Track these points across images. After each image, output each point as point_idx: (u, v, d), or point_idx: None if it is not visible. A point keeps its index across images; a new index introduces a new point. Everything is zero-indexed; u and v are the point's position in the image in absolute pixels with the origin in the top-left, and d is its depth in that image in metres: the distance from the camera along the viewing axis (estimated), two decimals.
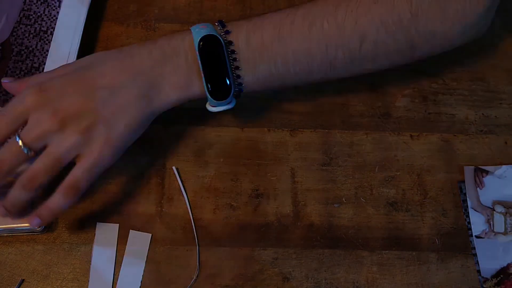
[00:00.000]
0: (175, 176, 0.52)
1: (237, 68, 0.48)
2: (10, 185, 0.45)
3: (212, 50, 0.47)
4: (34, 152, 0.44)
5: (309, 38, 0.48)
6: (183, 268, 0.49)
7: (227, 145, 0.54)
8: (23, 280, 0.48)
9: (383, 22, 0.48)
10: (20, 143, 0.44)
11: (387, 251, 0.51)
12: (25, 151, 0.44)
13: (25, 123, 0.45)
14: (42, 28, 0.56)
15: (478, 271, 0.50)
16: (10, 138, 0.45)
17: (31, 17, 0.56)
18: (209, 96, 0.48)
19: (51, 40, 0.55)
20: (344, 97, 0.57)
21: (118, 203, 0.51)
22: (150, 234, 0.50)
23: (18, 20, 0.56)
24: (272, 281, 0.49)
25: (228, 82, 0.48)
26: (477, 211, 0.52)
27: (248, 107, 0.56)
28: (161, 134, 0.54)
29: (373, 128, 0.56)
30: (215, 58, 0.47)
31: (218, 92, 0.48)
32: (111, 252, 0.49)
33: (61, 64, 0.49)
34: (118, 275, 0.48)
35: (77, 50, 0.55)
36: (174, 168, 0.53)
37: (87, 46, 0.57)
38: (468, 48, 0.59)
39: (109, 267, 0.48)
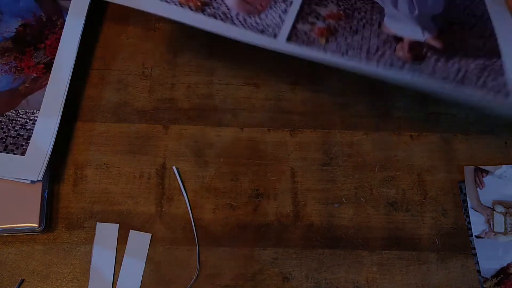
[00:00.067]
0: (175, 176, 0.52)
1: None
2: None
3: None
4: None
5: None
6: (183, 268, 0.49)
7: (227, 145, 0.54)
8: (23, 280, 0.48)
9: None
10: None
11: (387, 251, 0.51)
12: None
13: None
14: None
15: (478, 271, 0.50)
16: None
17: None
18: None
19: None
20: (344, 97, 0.57)
21: (118, 203, 0.51)
22: (150, 234, 0.50)
23: None
24: (272, 281, 0.49)
25: None
26: (477, 211, 0.52)
27: (248, 107, 0.56)
28: (161, 134, 0.54)
29: (373, 128, 0.56)
30: None
31: None
32: (111, 252, 0.49)
33: None
34: (118, 275, 0.48)
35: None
36: (174, 168, 0.53)
37: (88, 46, 0.57)
38: None
39: (109, 267, 0.48)
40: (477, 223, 0.52)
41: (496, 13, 0.49)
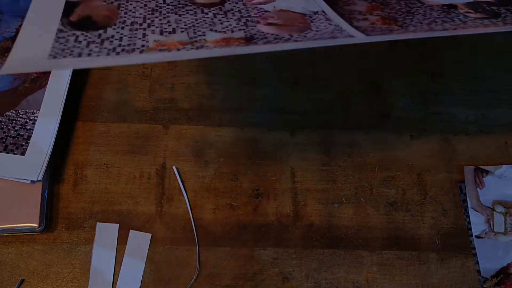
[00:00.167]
0: (175, 176, 0.52)
1: None
2: None
3: None
4: None
5: None
6: (183, 268, 0.49)
7: (227, 145, 0.54)
8: (23, 280, 0.48)
9: None
10: None
11: (387, 251, 0.51)
12: None
13: None
14: None
15: (478, 271, 0.50)
16: None
17: None
18: None
19: None
20: (344, 97, 0.57)
21: (118, 203, 0.51)
22: (150, 234, 0.50)
23: None
24: (272, 281, 0.49)
25: None
26: (477, 211, 0.52)
27: (248, 107, 0.56)
28: (161, 134, 0.54)
29: (373, 128, 0.56)
30: None
31: None
32: (111, 252, 0.49)
33: None
34: (118, 275, 0.48)
35: None
36: (174, 168, 0.53)
37: None
38: (468, 48, 0.59)
39: (109, 267, 0.48)
40: (477, 223, 0.52)
41: None
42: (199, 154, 0.54)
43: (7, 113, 0.52)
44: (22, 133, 0.51)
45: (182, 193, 0.52)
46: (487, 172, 0.54)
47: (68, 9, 0.45)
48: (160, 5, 0.47)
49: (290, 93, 0.57)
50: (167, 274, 0.49)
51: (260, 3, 0.48)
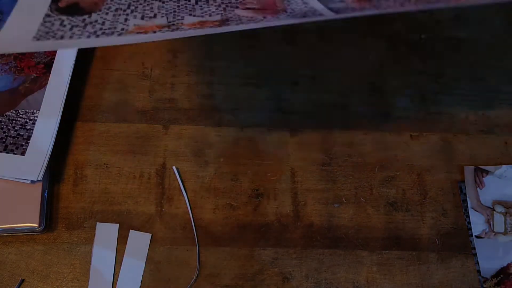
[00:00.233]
0: (175, 176, 0.52)
1: None
2: None
3: None
4: None
5: None
6: (183, 268, 0.49)
7: (227, 145, 0.54)
8: (23, 280, 0.48)
9: None
10: None
11: (387, 251, 0.51)
12: None
13: None
14: None
15: (478, 271, 0.50)
16: None
17: None
18: None
19: None
20: (344, 97, 0.57)
21: (118, 203, 0.51)
22: (150, 234, 0.50)
23: None
24: (272, 281, 0.49)
25: None
26: (477, 211, 0.52)
27: (248, 107, 0.56)
28: (161, 134, 0.54)
29: (373, 128, 0.56)
30: None
31: None
32: (111, 252, 0.49)
33: None
34: (118, 275, 0.48)
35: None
36: (174, 168, 0.53)
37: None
38: (468, 48, 0.59)
39: (109, 267, 0.48)
40: (477, 223, 0.52)
41: None
42: (199, 154, 0.54)
43: (7, 113, 0.52)
44: (22, 133, 0.51)
45: (182, 193, 0.52)
46: (487, 172, 0.54)
47: None
48: None
49: (290, 93, 0.57)
50: (167, 274, 0.49)
51: None
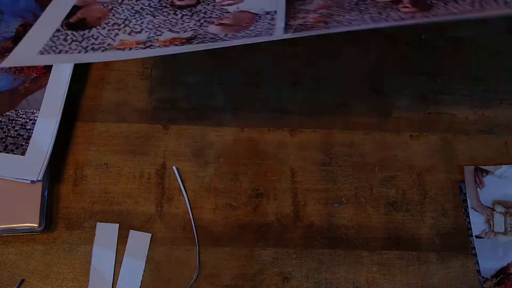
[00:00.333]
0: (175, 176, 0.52)
1: None
2: None
3: None
4: None
5: None
6: (183, 268, 0.49)
7: (227, 145, 0.54)
8: (23, 280, 0.48)
9: None
10: None
11: (387, 251, 0.51)
12: None
13: None
14: None
15: (478, 271, 0.50)
16: None
17: None
18: None
19: None
20: (344, 97, 0.57)
21: (118, 203, 0.51)
22: (150, 234, 0.50)
23: None
24: (272, 281, 0.49)
25: None
26: (477, 211, 0.52)
27: (248, 107, 0.56)
28: (161, 134, 0.54)
29: (373, 128, 0.56)
30: None
31: None
32: (111, 252, 0.49)
33: None
34: (118, 275, 0.48)
35: None
36: (174, 168, 0.53)
37: None
38: (468, 48, 0.59)
39: (109, 267, 0.48)
40: (477, 223, 0.52)
41: None
42: (199, 154, 0.54)
43: (7, 113, 0.52)
44: (22, 133, 0.51)
45: (182, 193, 0.52)
46: (487, 172, 0.54)
47: (72, 12, 0.49)
48: (144, 7, 0.50)
49: (290, 93, 0.57)
50: (167, 274, 0.49)
51: (230, 4, 0.50)
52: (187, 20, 0.48)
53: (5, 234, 0.49)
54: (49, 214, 0.50)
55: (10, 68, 0.55)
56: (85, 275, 0.48)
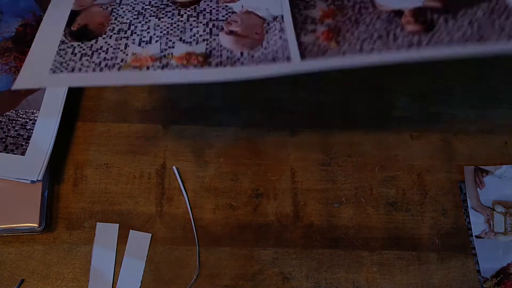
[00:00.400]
0: (175, 176, 0.52)
1: None
2: None
3: None
4: None
5: None
6: (183, 268, 0.49)
7: (227, 145, 0.54)
8: (23, 280, 0.48)
9: None
10: None
11: (387, 251, 0.51)
12: None
13: None
14: None
15: (478, 271, 0.50)
16: None
17: None
18: None
19: None
20: (344, 97, 0.57)
21: (118, 203, 0.51)
22: (150, 234, 0.50)
23: None
24: (272, 281, 0.49)
25: None
26: (477, 211, 0.52)
27: (248, 107, 0.56)
28: (161, 134, 0.54)
29: (373, 128, 0.56)
30: None
31: None
32: (111, 252, 0.49)
33: None
34: (118, 275, 0.48)
35: None
36: (174, 168, 0.53)
37: None
38: None
39: (109, 267, 0.48)
40: (477, 223, 0.52)
41: None
42: (199, 154, 0.54)
43: (7, 113, 0.52)
44: (22, 133, 0.51)
45: (182, 193, 0.52)
46: (487, 172, 0.54)
47: (71, 19, 0.49)
48: (145, 7, 0.50)
49: (290, 93, 0.57)
50: (167, 274, 0.49)
51: (232, 1, 0.50)
52: (195, 24, 0.48)
53: (5, 234, 0.49)
54: (49, 214, 0.50)
55: (10, 68, 0.55)
56: (85, 275, 0.48)
